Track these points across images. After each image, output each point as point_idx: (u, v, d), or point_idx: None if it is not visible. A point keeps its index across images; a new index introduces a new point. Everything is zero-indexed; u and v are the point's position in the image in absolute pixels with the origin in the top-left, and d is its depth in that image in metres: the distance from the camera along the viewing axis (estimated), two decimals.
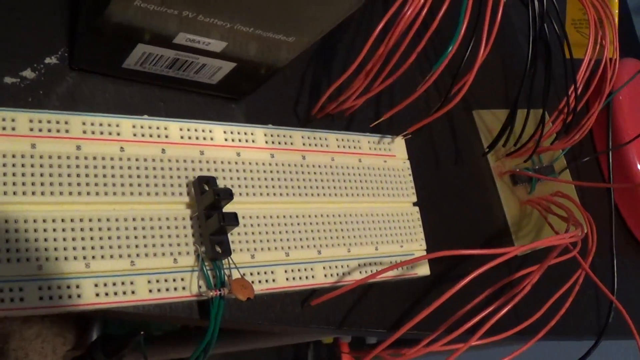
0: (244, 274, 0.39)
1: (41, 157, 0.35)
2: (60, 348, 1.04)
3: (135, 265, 0.36)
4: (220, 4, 0.33)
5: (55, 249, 0.34)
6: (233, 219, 0.37)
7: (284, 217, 0.42)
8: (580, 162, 0.71)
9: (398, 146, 0.50)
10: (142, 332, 0.53)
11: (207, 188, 0.38)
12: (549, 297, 0.49)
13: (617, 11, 0.73)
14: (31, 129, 0.35)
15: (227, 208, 0.38)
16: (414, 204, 0.50)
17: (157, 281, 0.36)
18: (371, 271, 0.44)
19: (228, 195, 0.37)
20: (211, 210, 0.37)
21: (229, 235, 0.38)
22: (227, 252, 0.37)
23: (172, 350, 0.80)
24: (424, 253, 0.48)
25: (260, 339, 0.76)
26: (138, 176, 0.37)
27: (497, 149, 0.60)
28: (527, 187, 0.62)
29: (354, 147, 0.47)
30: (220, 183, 0.40)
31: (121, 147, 0.37)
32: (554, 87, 0.59)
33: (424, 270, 0.48)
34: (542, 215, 0.59)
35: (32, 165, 0.34)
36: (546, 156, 0.65)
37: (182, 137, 0.40)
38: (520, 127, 0.58)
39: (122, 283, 0.35)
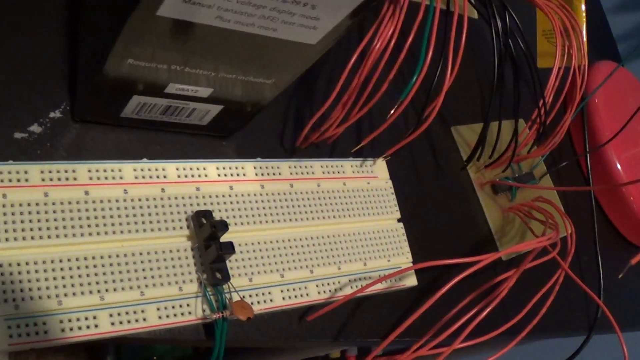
0: (243, 296, 0.42)
1: (54, 203, 0.38)
2: None
3: (145, 295, 0.39)
4: (202, 57, 0.36)
5: (72, 285, 0.37)
6: (230, 248, 0.40)
7: (277, 241, 0.45)
8: (561, 167, 0.74)
9: (379, 167, 0.53)
10: (154, 358, 0.56)
11: (204, 221, 0.41)
12: (541, 299, 0.51)
13: (584, 19, 0.76)
14: (43, 179, 0.38)
15: (224, 237, 0.41)
16: (399, 220, 0.53)
17: (166, 308, 0.40)
18: (361, 285, 0.47)
19: (223, 226, 0.40)
20: (209, 241, 0.41)
21: (227, 262, 0.42)
22: (227, 277, 0.41)
23: None
24: (411, 265, 0.51)
25: (269, 357, 0.79)
26: (142, 214, 0.41)
27: (476, 161, 0.63)
28: (509, 195, 0.65)
29: (338, 172, 0.50)
30: (217, 215, 0.43)
31: (125, 190, 0.41)
32: (530, 98, 0.63)
33: (411, 281, 0.51)
34: (523, 221, 0.62)
35: (46, 212, 0.38)
36: (526, 164, 0.68)
37: (179, 176, 0.43)
38: (497, 139, 0.61)
39: (134, 312, 0.39)
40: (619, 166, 0.76)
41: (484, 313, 0.45)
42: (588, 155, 0.77)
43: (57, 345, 0.36)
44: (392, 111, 0.47)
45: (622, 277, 0.51)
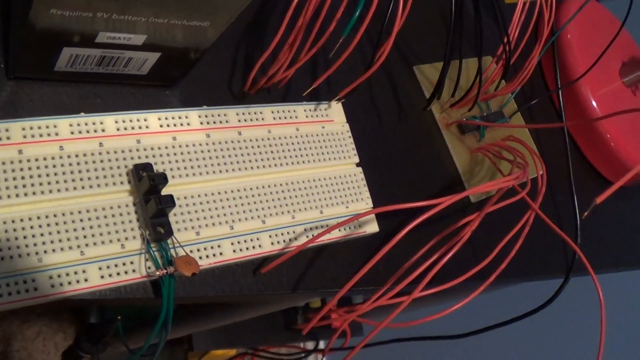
0: (191, 251, 0.41)
1: None
2: (61, 344, 1.07)
3: (85, 254, 0.38)
4: (130, 2, 0.35)
5: (9, 248, 0.36)
6: (169, 201, 0.39)
7: (226, 192, 0.44)
8: (532, 104, 0.72)
9: (335, 111, 0.51)
10: (119, 317, 0.55)
11: (144, 174, 0.40)
12: (512, 242, 0.50)
13: None
14: None
15: (167, 190, 0.40)
16: (357, 165, 0.51)
17: (108, 267, 0.38)
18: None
19: (162, 179, 0.39)
20: (150, 195, 0.39)
21: (171, 216, 0.40)
22: (169, 232, 0.39)
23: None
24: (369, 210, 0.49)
25: (248, 310, 0.78)
26: (79, 171, 0.39)
27: (441, 101, 0.61)
28: (477, 135, 0.63)
29: (290, 117, 0.48)
30: (159, 168, 0.41)
31: (60, 146, 0.39)
32: (497, 34, 0.60)
33: (372, 227, 0.49)
34: (491, 161, 0.60)
35: None
36: (495, 102, 0.66)
37: (118, 129, 0.41)
38: (463, 78, 0.59)
39: (75, 273, 0.37)
40: (594, 103, 0.74)
41: (445, 258, 0.43)
42: (560, 91, 0.75)
43: None
44: (333, 51, 0.45)
45: (587, 216, 0.49)
